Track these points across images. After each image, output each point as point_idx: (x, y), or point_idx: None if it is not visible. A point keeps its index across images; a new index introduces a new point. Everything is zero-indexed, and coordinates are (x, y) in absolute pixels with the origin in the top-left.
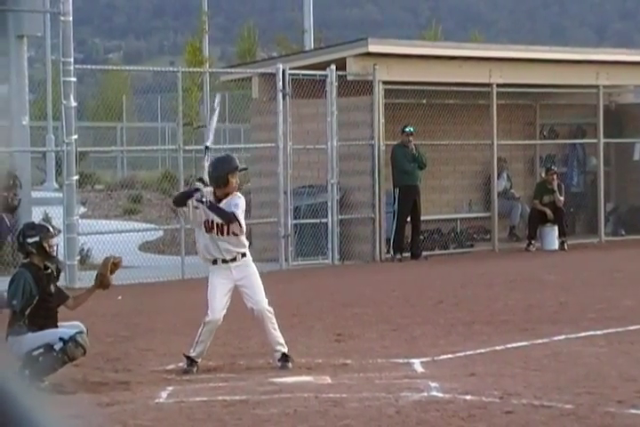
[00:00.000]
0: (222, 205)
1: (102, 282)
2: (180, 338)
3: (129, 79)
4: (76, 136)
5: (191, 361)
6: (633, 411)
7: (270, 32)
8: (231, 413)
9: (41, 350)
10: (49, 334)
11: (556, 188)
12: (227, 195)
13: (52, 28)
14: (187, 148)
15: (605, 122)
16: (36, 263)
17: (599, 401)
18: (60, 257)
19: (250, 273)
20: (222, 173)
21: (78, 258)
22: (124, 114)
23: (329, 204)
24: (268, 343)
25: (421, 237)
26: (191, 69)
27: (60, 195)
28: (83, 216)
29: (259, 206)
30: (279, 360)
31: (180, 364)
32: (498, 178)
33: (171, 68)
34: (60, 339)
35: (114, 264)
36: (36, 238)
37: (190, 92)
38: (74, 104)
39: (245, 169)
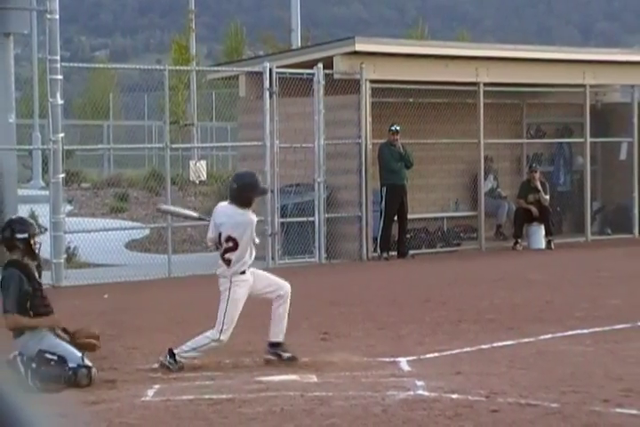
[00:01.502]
0: None
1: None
2: (166, 336)
3: (115, 77)
4: (62, 134)
5: (174, 360)
6: (619, 410)
7: (257, 30)
8: (217, 411)
9: (55, 358)
10: (69, 349)
11: (539, 186)
12: None
13: (39, 26)
14: (173, 146)
15: (592, 121)
16: (20, 259)
17: (585, 400)
18: (47, 255)
19: (254, 270)
20: (252, 197)
21: (65, 256)
22: (111, 112)
23: (316, 202)
24: (273, 332)
25: (408, 235)
26: (178, 68)
27: (47, 193)
28: (69, 214)
29: None
30: (274, 354)
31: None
32: (485, 177)
33: (157, 66)
34: (80, 359)
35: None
36: (26, 235)
37: (177, 90)
38: (60, 102)
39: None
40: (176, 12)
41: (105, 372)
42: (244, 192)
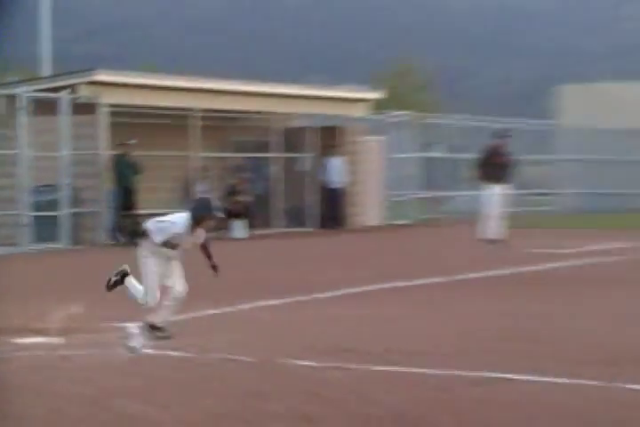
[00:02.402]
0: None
1: None
2: None
3: None
4: None
5: (158, 329)
6: (299, 362)
7: (12, 61)
8: None
9: None
10: None
11: (243, 190)
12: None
13: None
14: None
15: (280, 140)
16: None
17: (274, 355)
18: None
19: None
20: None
21: None
22: None
23: (62, 200)
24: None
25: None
26: None
27: None
28: None
29: (2, 201)
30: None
31: None
32: (200, 181)
33: None
34: None
35: None
36: None
37: None
38: None
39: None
40: None
41: None
42: (192, 209)
